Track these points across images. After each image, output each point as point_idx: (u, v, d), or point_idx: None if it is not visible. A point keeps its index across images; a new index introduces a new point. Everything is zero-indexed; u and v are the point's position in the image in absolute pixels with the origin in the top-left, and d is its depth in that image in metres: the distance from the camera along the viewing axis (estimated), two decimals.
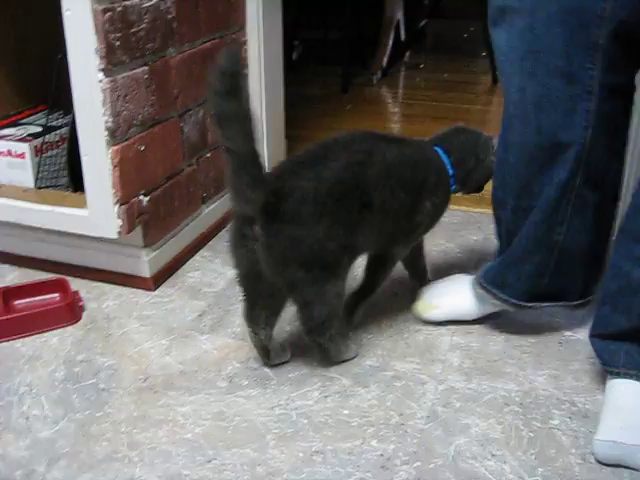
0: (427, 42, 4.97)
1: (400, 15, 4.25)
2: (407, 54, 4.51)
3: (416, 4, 4.74)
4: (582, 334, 1.59)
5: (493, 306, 1.57)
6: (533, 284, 1.49)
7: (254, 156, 1.23)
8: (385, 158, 1.42)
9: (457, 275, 1.70)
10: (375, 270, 1.59)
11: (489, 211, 2.17)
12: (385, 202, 1.40)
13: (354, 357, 1.51)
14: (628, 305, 1.30)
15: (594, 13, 1.21)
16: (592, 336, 1.38)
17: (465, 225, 2.11)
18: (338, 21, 3.97)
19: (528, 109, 1.35)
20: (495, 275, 1.54)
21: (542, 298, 1.51)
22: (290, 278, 1.33)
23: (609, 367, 1.34)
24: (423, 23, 4.54)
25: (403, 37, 4.39)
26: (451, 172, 1.57)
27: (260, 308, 1.43)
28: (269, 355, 1.48)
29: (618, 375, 1.32)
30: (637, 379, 1.30)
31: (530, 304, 1.52)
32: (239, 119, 1.19)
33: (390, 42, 3.99)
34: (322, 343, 1.44)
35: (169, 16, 1.69)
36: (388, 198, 1.41)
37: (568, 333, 1.60)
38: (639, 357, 1.30)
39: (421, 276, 1.74)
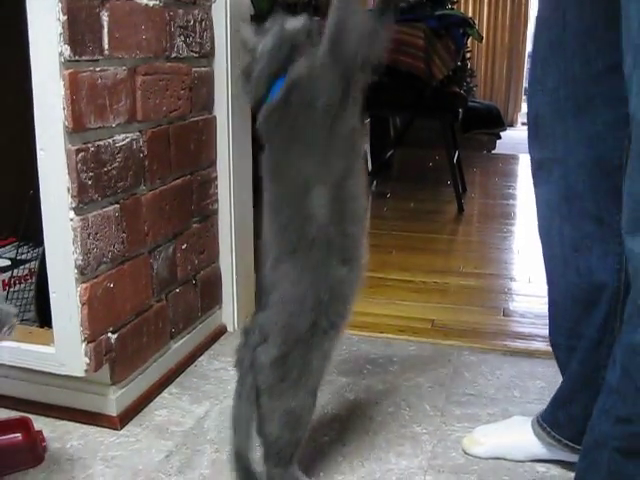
0: (393, 171, 5.11)
1: (366, 146, 4.37)
2: (374, 183, 4.61)
3: (382, 135, 4.89)
4: (556, 470, 1.57)
5: (548, 450, 1.57)
6: (584, 427, 1.43)
7: None
8: None
9: (515, 417, 1.71)
10: None
11: (459, 343, 2.21)
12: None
13: None
14: (599, 460, 1.26)
15: (614, 163, 1.27)
16: None
17: (435, 358, 2.10)
18: None
19: (567, 251, 1.40)
20: (549, 413, 1.57)
21: None
22: None
23: None
24: (390, 153, 4.66)
25: (370, 167, 4.50)
26: None
27: None
28: None
29: None
30: None
31: None
32: None
33: None
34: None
35: (141, 155, 1.72)
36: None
37: (542, 469, 1.58)
38: None
39: None
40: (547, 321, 2.35)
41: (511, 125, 8.42)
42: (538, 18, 1.42)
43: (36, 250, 1.96)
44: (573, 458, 1.54)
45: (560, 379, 1.57)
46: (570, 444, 1.51)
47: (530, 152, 1.46)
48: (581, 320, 1.43)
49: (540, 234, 1.50)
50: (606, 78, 1.29)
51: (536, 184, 1.47)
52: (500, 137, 6.58)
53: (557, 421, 1.53)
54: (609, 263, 1.35)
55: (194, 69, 1.95)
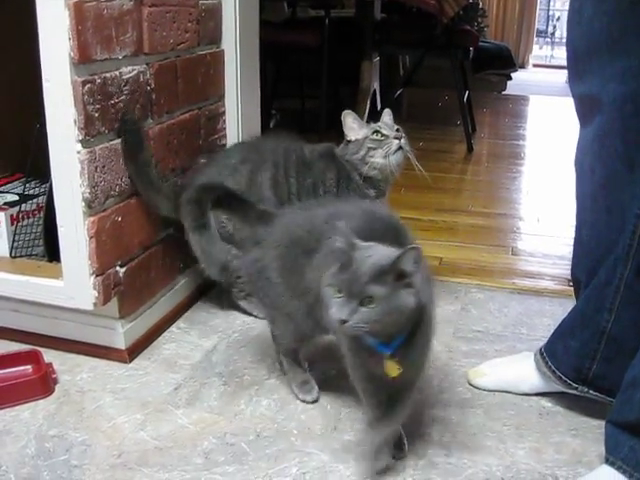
0: (402, 111, 5.05)
1: (376, 85, 4.32)
2: None
3: (391, 74, 4.83)
4: (562, 405, 1.58)
5: (545, 381, 1.58)
6: (579, 363, 1.48)
7: None
8: None
9: (523, 352, 1.71)
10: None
11: (466, 281, 2.21)
12: None
13: (309, 401, 1.57)
14: (633, 398, 1.27)
15: None
16: (607, 421, 1.35)
17: (443, 295, 2.10)
18: (315, 91, 4.03)
19: (597, 189, 1.39)
20: (549, 343, 1.57)
21: (588, 384, 1.48)
22: None
23: (609, 455, 1.31)
24: (399, 92, 4.60)
25: (379, 106, 4.46)
26: None
27: None
28: None
29: (613, 465, 1.29)
30: (629, 477, 1.26)
31: (575, 384, 1.50)
32: None
33: (366, 111, 4.05)
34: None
35: (148, 87, 1.70)
36: None
37: (548, 404, 1.59)
38: None
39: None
40: (555, 260, 2.37)
41: (522, 66, 8.31)
42: None
43: (44, 185, 1.95)
44: (570, 391, 1.55)
45: None
46: (563, 377, 1.51)
47: (570, 88, 1.42)
48: (602, 260, 1.40)
49: (575, 170, 1.47)
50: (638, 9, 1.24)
51: (578, 120, 1.44)
52: (511, 78, 6.49)
53: (555, 352, 1.53)
54: (635, 206, 1.32)
55: (201, 1, 1.91)
